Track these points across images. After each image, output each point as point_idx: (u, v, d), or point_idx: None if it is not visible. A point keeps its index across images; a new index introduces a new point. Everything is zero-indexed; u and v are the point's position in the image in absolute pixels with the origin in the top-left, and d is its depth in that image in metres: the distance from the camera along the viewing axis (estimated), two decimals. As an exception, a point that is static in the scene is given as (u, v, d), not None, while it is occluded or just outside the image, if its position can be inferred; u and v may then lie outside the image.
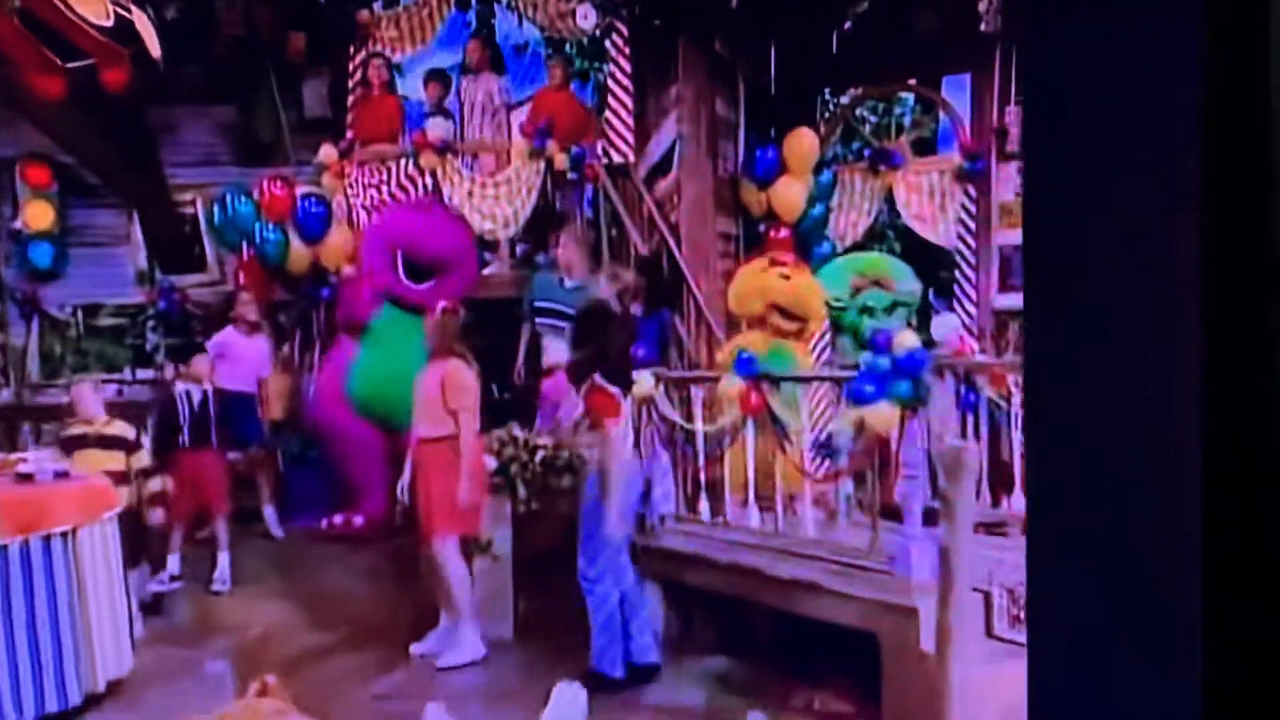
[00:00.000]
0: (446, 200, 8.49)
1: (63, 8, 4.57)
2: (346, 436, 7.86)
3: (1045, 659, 1.00)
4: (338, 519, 7.83)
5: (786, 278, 6.63)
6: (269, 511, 8.33)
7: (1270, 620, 0.88)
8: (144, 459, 6.46)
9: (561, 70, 9.16)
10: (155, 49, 5.33)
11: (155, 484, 6.48)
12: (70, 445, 6.22)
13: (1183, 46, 0.86)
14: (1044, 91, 0.96)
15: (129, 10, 5.11)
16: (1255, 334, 0.86)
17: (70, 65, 5.19)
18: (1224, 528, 0.87)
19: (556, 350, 7.08)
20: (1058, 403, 0.96)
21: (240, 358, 8.22)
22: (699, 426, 5.84)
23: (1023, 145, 1.03)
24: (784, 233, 8.69)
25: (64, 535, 4.42)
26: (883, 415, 4.47)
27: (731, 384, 5.49)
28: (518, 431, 6.41)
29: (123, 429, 6.47)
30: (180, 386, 7.33)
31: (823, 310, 6.63)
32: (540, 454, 6.21)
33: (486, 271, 8.75)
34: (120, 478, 6.17)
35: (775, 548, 5.36)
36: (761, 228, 8.81)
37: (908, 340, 4.55)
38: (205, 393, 7.22)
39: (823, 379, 5.60)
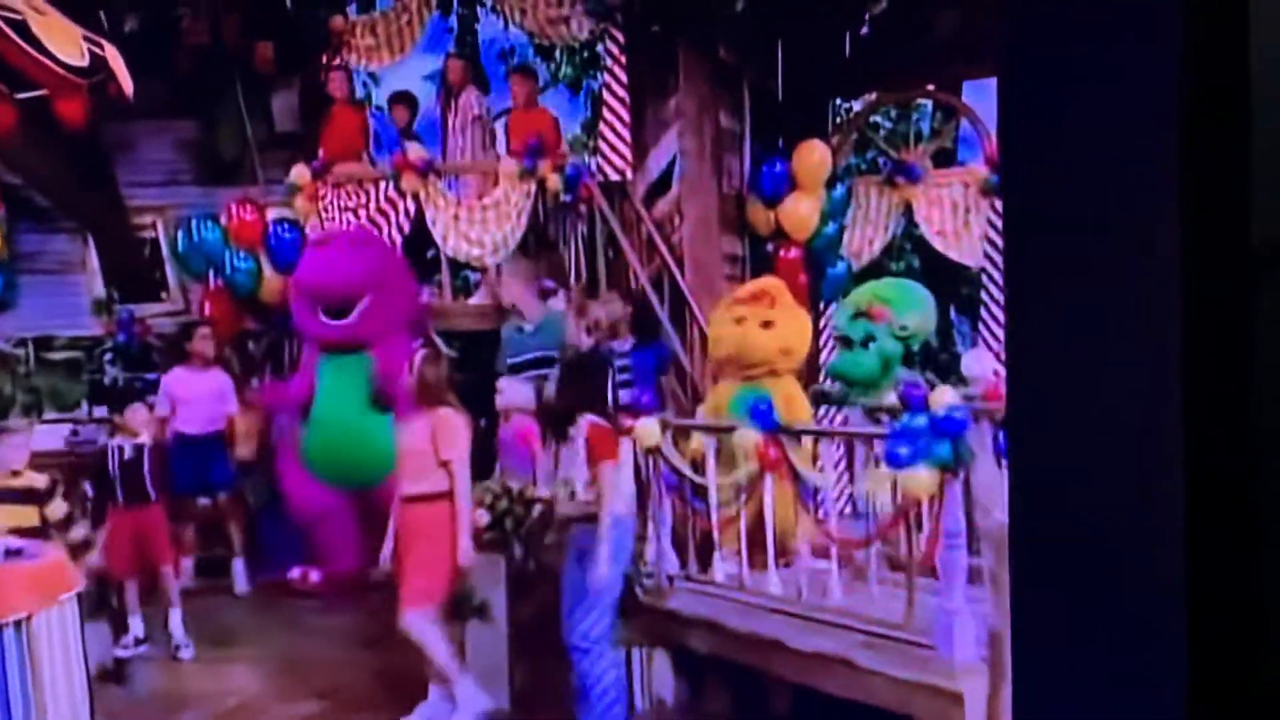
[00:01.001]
0: (429, 224, 8.36)
1: (16, 38, 4.45)
2: (307, 504, 7.67)
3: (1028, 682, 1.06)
4: (294, 573, 7.69)
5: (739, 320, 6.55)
6: (238, 565, 8.18)
7: (1258, 631, 0.92)
8: (59, 509, 6.28)
9: (525, 90, 9.03)
10: (128, 85, 5.21)
11: (79, 532, 6.31)
12: None
13: (1162, 44, 0.90)
14: (1022, 92, 1.02)
15: (101, 46, 5.00)
16: (1237, 330, 0.90)
17: (21, 96, 5.09)
18: (1210, 523, 0.91)
19: (513, 393, 6.95)
20: (1041, 400, 1.01)
21: (195, 398, 8.07)
22: (711, 479, 5.71)
23: (1000, 145, 1.12)
24: (794, 253, 8.58)
25: (17, 624, 4.27)
26: (920, 481, 4.34)
27: (746, 436, 5.36)
28: (512, 483, 6.28)
29: (31, 479, 6.28)
30: (113, 440, 7.19)
31: (759, 354, 6.45)
32: (537, 508, 6.08)
33: (472, 301, 8.63)
34: (33, 533, 5.98)
35: (797, 614, 5.23)
36: (770, 248, 8.70)
37: (946, 397, 4.42)
38: (140, 448, 7.02)
39: (851, 435, 5.47)
